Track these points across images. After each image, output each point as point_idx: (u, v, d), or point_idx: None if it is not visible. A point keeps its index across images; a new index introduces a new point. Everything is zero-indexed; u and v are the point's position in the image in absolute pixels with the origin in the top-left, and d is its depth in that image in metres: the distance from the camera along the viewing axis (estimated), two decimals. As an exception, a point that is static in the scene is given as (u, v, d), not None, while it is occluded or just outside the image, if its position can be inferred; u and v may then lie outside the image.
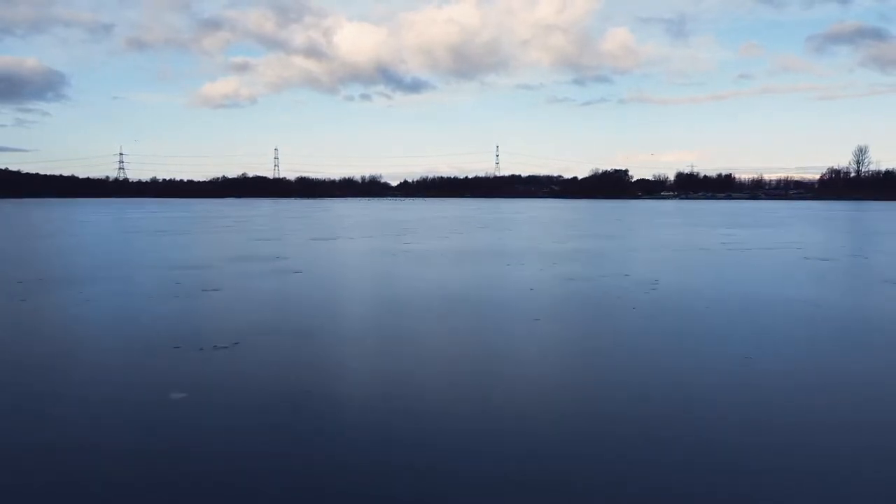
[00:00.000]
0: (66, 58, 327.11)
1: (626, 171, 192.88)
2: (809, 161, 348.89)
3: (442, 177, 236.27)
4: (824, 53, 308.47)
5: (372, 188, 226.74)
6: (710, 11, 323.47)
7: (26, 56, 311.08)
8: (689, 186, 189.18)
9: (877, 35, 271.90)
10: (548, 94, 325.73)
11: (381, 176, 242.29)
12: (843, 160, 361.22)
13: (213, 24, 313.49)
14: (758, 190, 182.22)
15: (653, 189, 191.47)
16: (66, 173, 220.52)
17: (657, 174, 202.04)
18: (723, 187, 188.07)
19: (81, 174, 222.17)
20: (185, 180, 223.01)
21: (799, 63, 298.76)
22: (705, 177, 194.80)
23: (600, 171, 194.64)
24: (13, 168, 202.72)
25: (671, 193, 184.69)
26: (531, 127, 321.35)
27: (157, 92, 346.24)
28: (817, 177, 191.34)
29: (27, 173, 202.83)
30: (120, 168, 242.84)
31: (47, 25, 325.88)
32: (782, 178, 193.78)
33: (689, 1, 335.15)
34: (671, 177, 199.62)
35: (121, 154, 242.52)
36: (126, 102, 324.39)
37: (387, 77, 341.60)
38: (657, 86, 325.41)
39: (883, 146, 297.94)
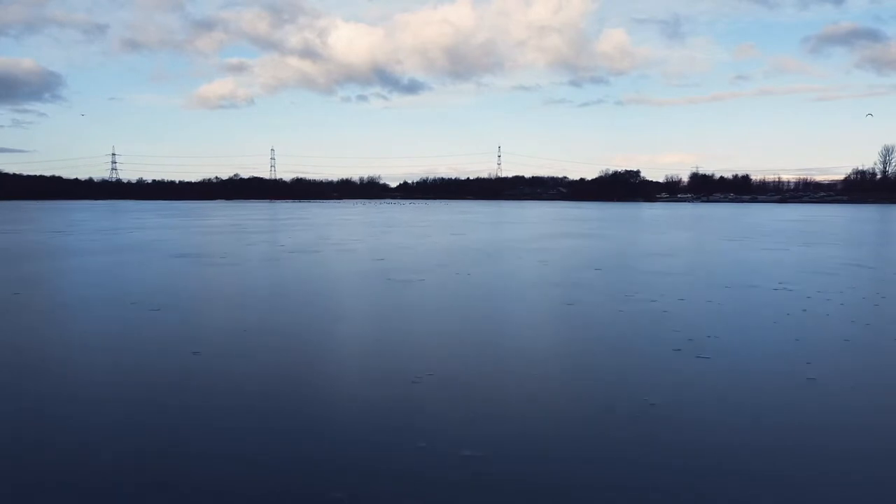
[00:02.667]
0: (62, 59, 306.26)
1: (637, 172, 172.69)
2: (811, 163, 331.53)
3: (443, 178, 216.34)
4: (820, 54, 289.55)
5: (370, 190, 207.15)
6: (705, 13, 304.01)
7: (22, 57, 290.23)
8: (705, 188, 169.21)
9: (872, 36, 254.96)
10: (544, 95, 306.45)
11: (379, 177, 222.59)
12: (844, 162, 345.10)
13: (207, 25, 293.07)
14: (784, 192, 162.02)
15: (665, 191, 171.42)
16: (64, 174, 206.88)
17: (669, 175, 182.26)
18: (740, 189, 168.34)
19: (79, 175, 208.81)
20: (178, 181, 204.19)
21: (795, 64, 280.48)
22: (721, 178, 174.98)
23: (610, 172, 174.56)
24: (10, 169, 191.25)
25: (688, 195, 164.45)
26: (530, 128, 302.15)
27: (154, 93, 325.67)
28: (831, 177, 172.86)
29: (16, 175, 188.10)
30: (113, 169, 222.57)
31: (41, 26, 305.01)
32: (801, 178, 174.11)
33: (684, 2, 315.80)
34: (684, 178, 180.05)
35: (113, 154, 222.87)
36: (123, 103, 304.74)
37: (383, 78, 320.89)
38: (654, 87, 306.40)
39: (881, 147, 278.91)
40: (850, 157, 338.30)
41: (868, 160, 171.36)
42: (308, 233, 30.00)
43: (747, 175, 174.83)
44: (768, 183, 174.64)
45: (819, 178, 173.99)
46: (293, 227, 35.62)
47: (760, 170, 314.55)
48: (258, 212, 68.32)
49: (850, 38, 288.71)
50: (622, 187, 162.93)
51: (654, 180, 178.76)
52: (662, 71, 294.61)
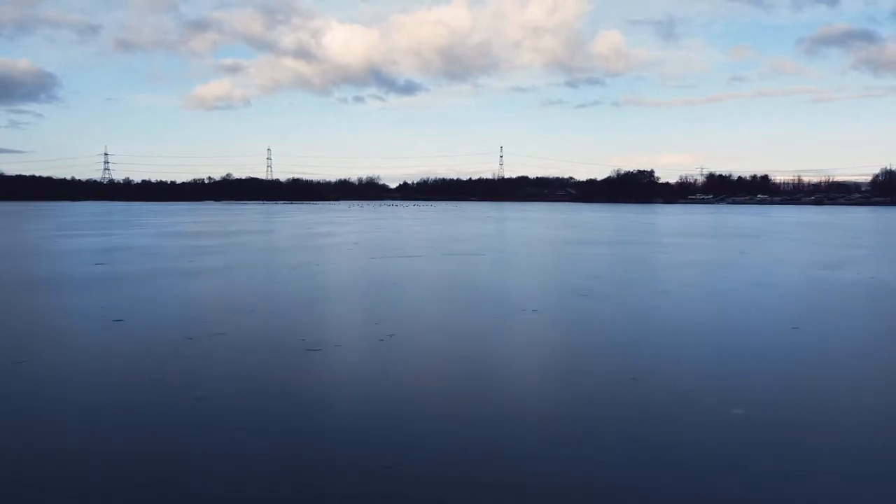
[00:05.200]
0: (58, 59, 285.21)
1: (650, 172, 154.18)
2: (810, 164, 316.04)
3: (444, 178, 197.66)
4: (815, 56, 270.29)
5: (369, 190, 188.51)
6: (701, 15, 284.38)
7: (16, 57, 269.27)
8: (723, 189, 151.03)
9: (867, 38, 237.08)
10: (541, 96, 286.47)
11: (378, 177, 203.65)
12: (841, 163, 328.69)
13: (201, 26, 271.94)
14: (809, 193, 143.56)
15: (679, 192, 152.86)
16: (63, 175, 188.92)
17: (683, 175, 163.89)
18: (759, 190, 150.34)
19: (78, 176, 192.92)
20: (168, 182, 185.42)
21: (791, 66, 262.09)
22: (739, 178, 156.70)
23: (622, 172, 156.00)
24: (9, 170, 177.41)
25: (709, 197, 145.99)
26: (529, 129, 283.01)
27: (150, 93, 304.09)
28: (850, 178, 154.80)
29: (7, 176, 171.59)
30: (106, 170, 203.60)
31: (34, 26, 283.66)
32: (823, 180, 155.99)
33: (679, 3, 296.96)
34: (698, 178, 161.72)
35: (106, 154, 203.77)
36: (119, 104, 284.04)
37: (379, 79, 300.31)
38: (650, 88, 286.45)
39: (882, 149, 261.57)
40: (849, 158, 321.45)
41: (867, 161, 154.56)
42: (212, 283, 11.62)
43: (766, 175, 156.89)
44: (788, 184, 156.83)
45: (840, 178, 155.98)
46: (213, 255, 17.17)
47: (760, 171, 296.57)
48: (226, 216, 49.90)
49: (846, 39, 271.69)
50: (636, 188, 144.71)
51: (666, 181, 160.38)
52: (658, 72, 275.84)
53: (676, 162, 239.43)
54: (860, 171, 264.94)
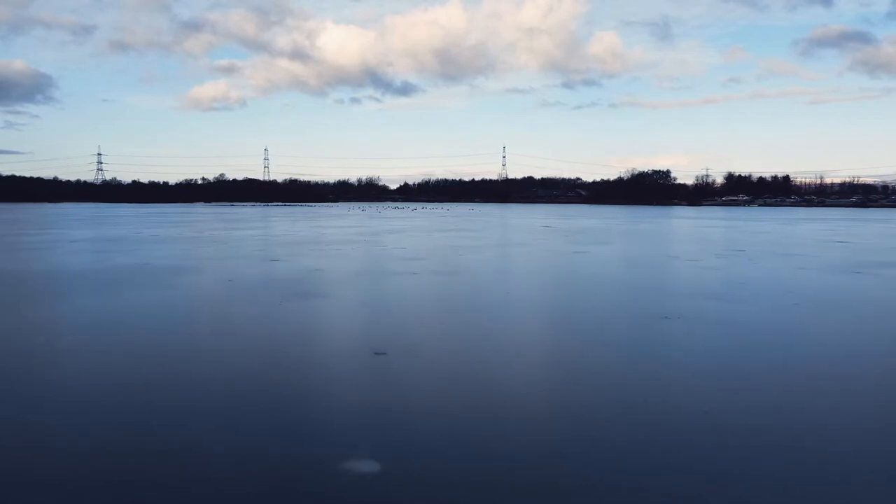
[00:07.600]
0: (53, 60, 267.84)
1: (667, 172, 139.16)
2: (810, 165, 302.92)
3: (446, 179, 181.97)
4: (811, 57, 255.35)
5: (369, 191, 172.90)
6: (696, 16, 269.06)
7: (11, 58, 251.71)
8: (742, 190, 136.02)
9: (863, 39, 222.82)
10: (538, 97, 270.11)
11: (379, 178, 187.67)
12: (839, 164, 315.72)
13: (195, 26, 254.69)
14: (859, 196, 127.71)
15: (695, 193, 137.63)
16: (60, 176, 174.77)
17: (699, 176, 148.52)
18: (781, 191, 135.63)
19: (70, 178, 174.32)
20: (161, 182, 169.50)
21: (787, 67, 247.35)
22: (760, 179, 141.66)
23: (636, 172, 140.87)
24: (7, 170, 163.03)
25: (742, 198, 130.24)
26: (528, 130, 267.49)
27: (146, 94, 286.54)
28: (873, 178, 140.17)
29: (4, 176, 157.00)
30: (99, 170, 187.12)
31: (28, 27, 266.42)
32: (847, 180, 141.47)
33: (674, 5, 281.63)
34: (717, 179, 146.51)
35: (99, 155, 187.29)
36: (115, 105, 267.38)
37: (375, 80, 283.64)
38: (647, 89, 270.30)
39: (880, 150, 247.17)
40: (848, 160, 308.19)
41: (864, 163, 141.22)
42: None
43: (787, 176, 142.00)
44: (810, 185, 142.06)
45: (866, 179, 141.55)
46: None
47: (758, 172, 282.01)
48: (178, 227, 34.56)
49: (841, 40, 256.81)
50: (654, 190, 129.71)
51: (681, 182, 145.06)
52: (654, 74, 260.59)
53: (674, 163, 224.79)
54: (861, 172, 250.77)
